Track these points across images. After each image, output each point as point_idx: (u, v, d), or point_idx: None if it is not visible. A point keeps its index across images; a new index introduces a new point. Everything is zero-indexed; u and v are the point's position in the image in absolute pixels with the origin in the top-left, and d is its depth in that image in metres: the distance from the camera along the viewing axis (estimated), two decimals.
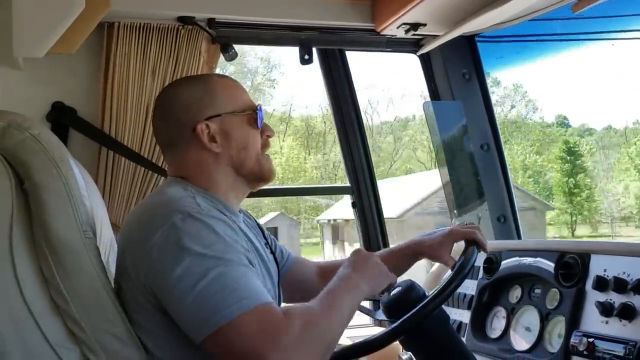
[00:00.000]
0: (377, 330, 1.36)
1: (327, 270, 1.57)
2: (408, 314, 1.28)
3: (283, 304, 1.47)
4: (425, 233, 1.59)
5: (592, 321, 1.54)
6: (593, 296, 1.56)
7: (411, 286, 1.42)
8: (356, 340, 1.33)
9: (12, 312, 1.11)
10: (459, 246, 1.49)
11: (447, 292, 1.31)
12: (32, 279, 1.13)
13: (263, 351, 1.01)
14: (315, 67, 2.54)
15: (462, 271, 1.34)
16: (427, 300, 1.31)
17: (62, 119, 2.13)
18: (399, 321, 1.29)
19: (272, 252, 1.47)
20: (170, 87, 1.42)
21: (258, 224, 1.51)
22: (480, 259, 1.92)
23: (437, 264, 2.24)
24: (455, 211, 2.73)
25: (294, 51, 2.42)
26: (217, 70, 2.35)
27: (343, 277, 1.23)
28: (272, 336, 1.03)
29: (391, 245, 1.86)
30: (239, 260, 1.12)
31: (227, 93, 1.35)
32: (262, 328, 1.03)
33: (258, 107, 1.36)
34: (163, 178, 2.17)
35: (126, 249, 1.22)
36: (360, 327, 2.62)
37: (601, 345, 1.47)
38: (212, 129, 1.30)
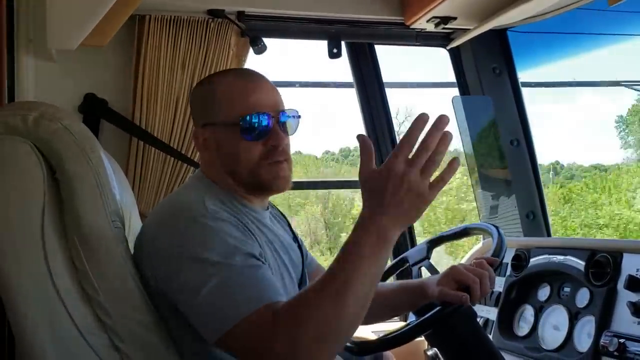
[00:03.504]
0: (400, 325, 1.36)
1: None
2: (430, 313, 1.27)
3: None
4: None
5: (623, 322, 1.51)
6: (625, 296, 1.53)
7: None
8: (381, 335, 1.33)
9: (44, 299, 1.13)
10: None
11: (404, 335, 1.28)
12: (63, 267, 1.15)
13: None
14: None
15: (422, 323, 1.28)
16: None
17: (93, 110, 2.16)
18: (422, 318, 1.28)
19: (299, 247, 1.46)
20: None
21: (284, 217, 1.51)
22: (508, 255, 1.90)
23: (468, 255, 2.23)
24: (482, 209, 2.70)
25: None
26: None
27: (355, 237, 1.03)
28: (262, 346, 1.01)
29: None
30: (242, 262, 1.09)
31: (225, 98, 1.25)
32: (253, 338, 1.02)
33: (252, 116, 1.22)
34: (192, 168, 2.19)
35: (137, 244, 1.24)
36: (385, 322, 2.60)
37: (632, 346, 1.45)
38: (205, 136, 1.28)
